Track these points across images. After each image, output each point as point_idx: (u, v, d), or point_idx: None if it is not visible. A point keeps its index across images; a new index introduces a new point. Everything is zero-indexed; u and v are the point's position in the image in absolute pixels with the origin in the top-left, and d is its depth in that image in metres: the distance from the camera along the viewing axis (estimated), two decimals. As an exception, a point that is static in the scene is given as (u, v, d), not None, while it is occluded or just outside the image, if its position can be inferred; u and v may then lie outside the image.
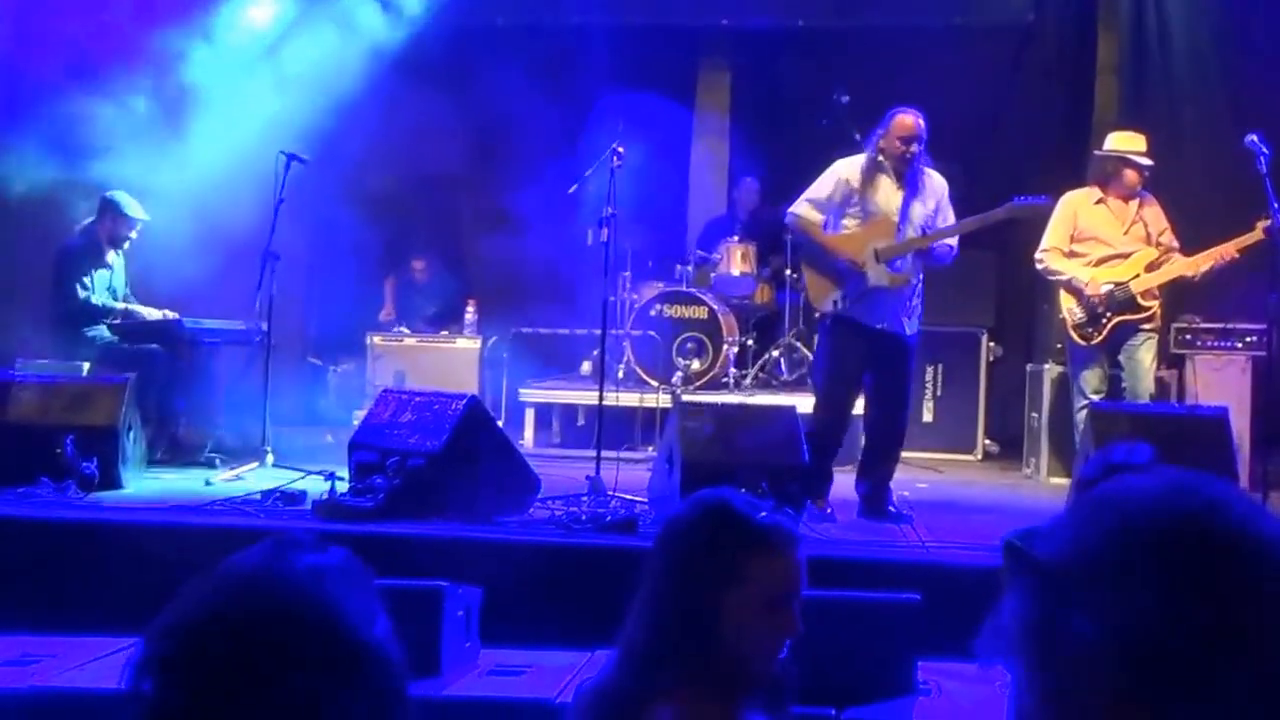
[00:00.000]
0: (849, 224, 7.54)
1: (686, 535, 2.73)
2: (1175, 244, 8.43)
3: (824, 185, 7.65)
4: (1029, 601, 1.22)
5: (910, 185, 7.50)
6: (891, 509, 7.44)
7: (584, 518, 6.87)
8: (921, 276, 7.65)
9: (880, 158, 7.49)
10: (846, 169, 7.62)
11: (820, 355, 7.91)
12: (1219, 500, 1.19)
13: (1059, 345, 9.21)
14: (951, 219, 7.64)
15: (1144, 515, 1.19)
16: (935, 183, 7.65)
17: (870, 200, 7.50)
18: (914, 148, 7.41)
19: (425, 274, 12.38)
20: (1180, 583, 1.13)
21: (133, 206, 9.28)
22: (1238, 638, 1.11)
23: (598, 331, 8.75)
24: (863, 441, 7.91)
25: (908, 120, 7.44)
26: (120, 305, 9.25)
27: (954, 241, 7.62)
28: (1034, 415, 9.98)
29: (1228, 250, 7.99)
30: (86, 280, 9.13)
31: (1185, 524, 1.17)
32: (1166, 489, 1.21)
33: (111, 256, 9.34)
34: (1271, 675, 1.10)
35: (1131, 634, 1.13)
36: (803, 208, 7.70)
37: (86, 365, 8.63)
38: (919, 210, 7.51)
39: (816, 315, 7.97)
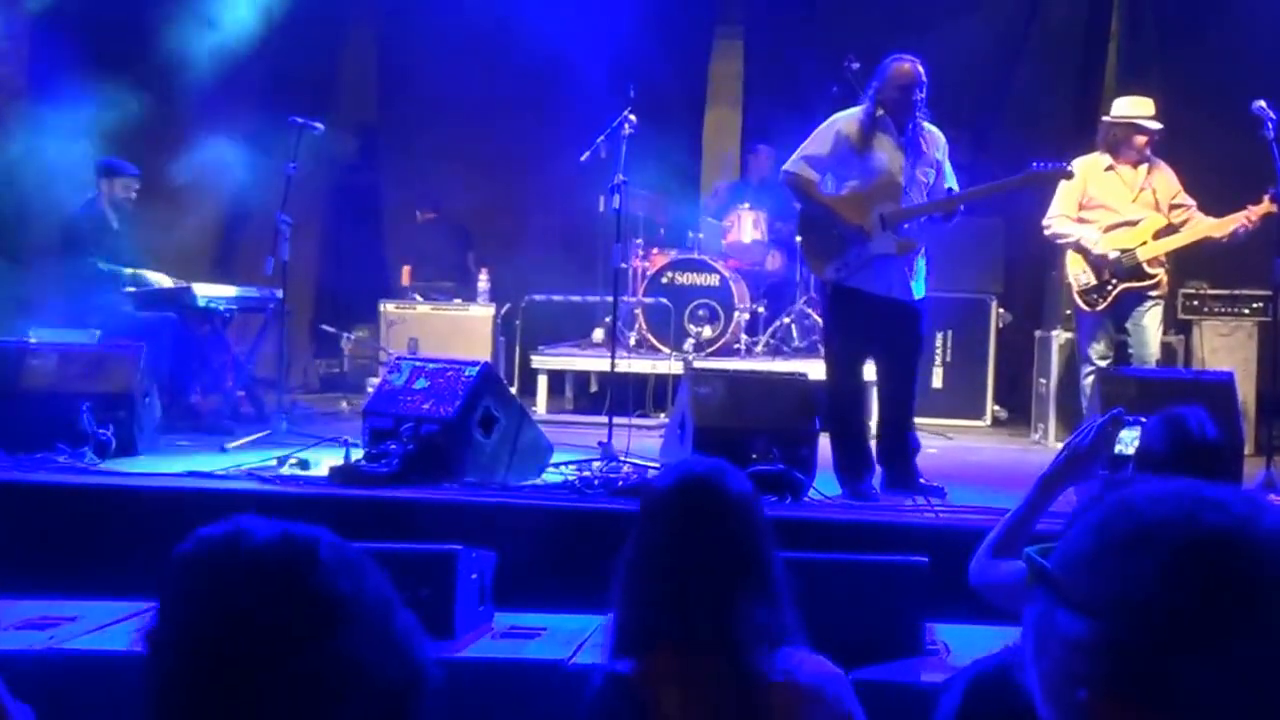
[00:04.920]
0: (851, 184, 7.10)
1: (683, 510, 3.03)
2: (1191, 202, 8.36)
3: (822, 141, 7.16)
4: (1037, 607, 1.25)
5: (912, 143, 7.08)
6: (922, 480, 7.09)
7: (596, 482, 6.92)
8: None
9: (879, 112, 7.06)
10: (845, 124, 7.13)
11: (828, 327, 7.64)
12: (1243, 518, 1.18)
13: (1067, 312, 9.22)
14: (952, 177, 7.28)
15: (1161, 528, 1.19)
16: (935, 139, 7.23)
17: (872, 159, 7.05)
18: (914, 95, 7.00)
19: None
20: (1173, 580, 1.14)
21: (125, 165, 9.37)
22: (1224, 638, 1.11)
23: (610, 299, 8.79)
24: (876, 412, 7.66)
25: (905, 67, 7.03)
26: (129, 271, 9.25)
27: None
28: (1042, 381, 10.02)
29: (1249, 216, 7.93)
30: (92, 247, 9.15)
31: (1208, 538, 1.17)
32: (1189, 502, 1.21)
33: (115, 223, 9.36)
34: (1256, 681, 1.10)
35: (1124, 637, 1.14)
36: (798, 165, 7.20)
37: (97, 334, 8.64)
38: (923, 171, 7.12)
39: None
